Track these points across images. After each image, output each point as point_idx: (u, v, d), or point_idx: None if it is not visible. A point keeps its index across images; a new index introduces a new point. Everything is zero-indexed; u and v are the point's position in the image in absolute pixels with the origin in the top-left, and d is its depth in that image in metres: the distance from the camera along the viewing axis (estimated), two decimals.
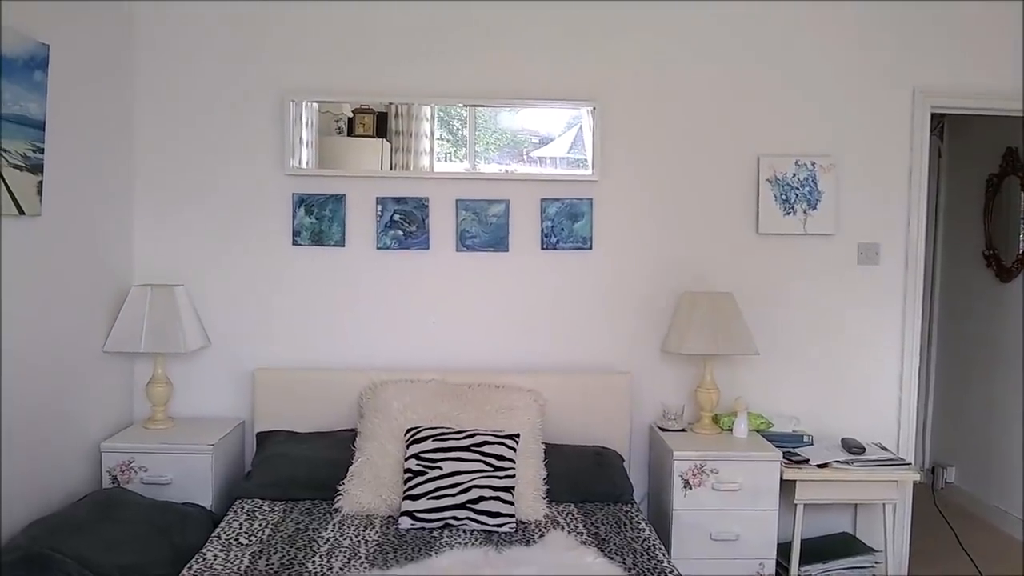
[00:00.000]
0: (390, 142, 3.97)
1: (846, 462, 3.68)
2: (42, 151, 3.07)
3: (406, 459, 3.30)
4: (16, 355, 2.98)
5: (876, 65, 4.05)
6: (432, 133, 3.99)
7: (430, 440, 3.31)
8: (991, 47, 4.06)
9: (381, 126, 3.97)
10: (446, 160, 4.01)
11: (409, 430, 3.39)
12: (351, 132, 3.99)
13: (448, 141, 4.02)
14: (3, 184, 2.84)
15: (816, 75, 4.04)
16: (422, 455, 3.27)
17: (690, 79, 4.01)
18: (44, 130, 3.07)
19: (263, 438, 3.73)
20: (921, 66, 4.06)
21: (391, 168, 3.96)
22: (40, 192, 3.08)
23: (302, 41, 3.91)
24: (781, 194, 4.02)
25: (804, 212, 4.03)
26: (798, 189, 4.02)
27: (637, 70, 3.99)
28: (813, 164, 4.02)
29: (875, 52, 4.05)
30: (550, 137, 4.01)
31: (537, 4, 3.94)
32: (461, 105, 3.95)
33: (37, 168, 3.05)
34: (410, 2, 3.91)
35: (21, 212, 2.96)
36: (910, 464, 3.84)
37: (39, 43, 3.03)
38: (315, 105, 3.93)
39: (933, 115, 4.12)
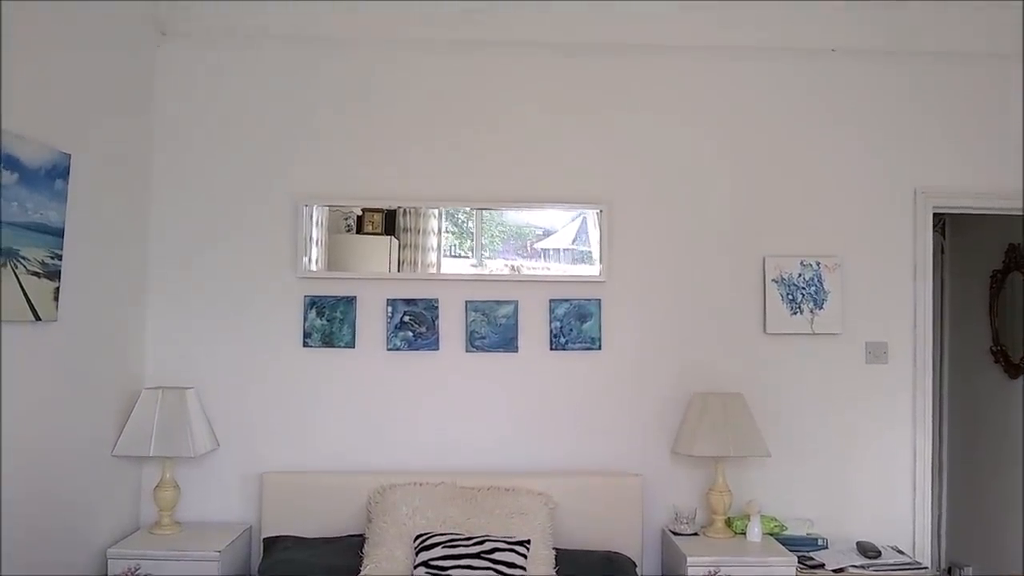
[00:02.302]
0: (398, 239, 4.03)
1: (862, 566, 3.62)
2: (60, 257, 3.12)
3: (415, 567, 3.24)
4: (27, 459, 2.97)
5: (878, 167, 4.13)
6: (440, 230, 4.05)
7: (439, 547, 3.26)
8: (990, 149, 4.14)
9: (389, 223, 4.04)
10: (451, 253, 4.06)
11: (418, 536, 3.34)
12: (360, 229, 4.05)
13: (453, 234, 4.08)
14: (21, 291, 2.89)
15: (819, 177, 4.12)
16: (431, 563, 3.22)
17: (695, 181, 4.09)
18: (63, 237, 3.13)
19: (270, 544, 3.68)
20: (922, 167, 4.14)
21: (399, 265, 4.01)
22: (56, 298, 3.12)
23: (314, 148, 4.01)
24: (788, 294, 4.05)
25: (811, 311, 4.05)
26: (804, 289, 4.05)
27: (643, 173, 4.08)
28: (818, 264, 4.06)
29: (877, 154, 4.13)
30: (553, 229, 4.07)
31: (544, 110, 4.06)
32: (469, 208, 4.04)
33: (54, 275, 3.09)
34: (418, 110, 4.03)
35: (37, 318, 3.00)
36: (927, 568, 3.77)
37: (61, 152, 3.11)
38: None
39: (935, 213, 4.19)
